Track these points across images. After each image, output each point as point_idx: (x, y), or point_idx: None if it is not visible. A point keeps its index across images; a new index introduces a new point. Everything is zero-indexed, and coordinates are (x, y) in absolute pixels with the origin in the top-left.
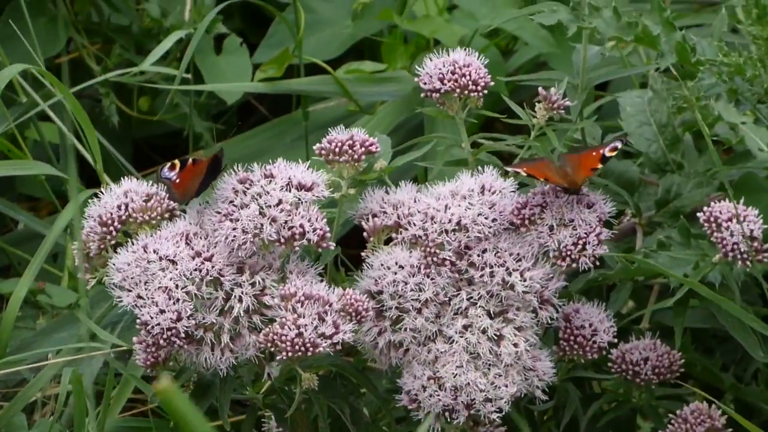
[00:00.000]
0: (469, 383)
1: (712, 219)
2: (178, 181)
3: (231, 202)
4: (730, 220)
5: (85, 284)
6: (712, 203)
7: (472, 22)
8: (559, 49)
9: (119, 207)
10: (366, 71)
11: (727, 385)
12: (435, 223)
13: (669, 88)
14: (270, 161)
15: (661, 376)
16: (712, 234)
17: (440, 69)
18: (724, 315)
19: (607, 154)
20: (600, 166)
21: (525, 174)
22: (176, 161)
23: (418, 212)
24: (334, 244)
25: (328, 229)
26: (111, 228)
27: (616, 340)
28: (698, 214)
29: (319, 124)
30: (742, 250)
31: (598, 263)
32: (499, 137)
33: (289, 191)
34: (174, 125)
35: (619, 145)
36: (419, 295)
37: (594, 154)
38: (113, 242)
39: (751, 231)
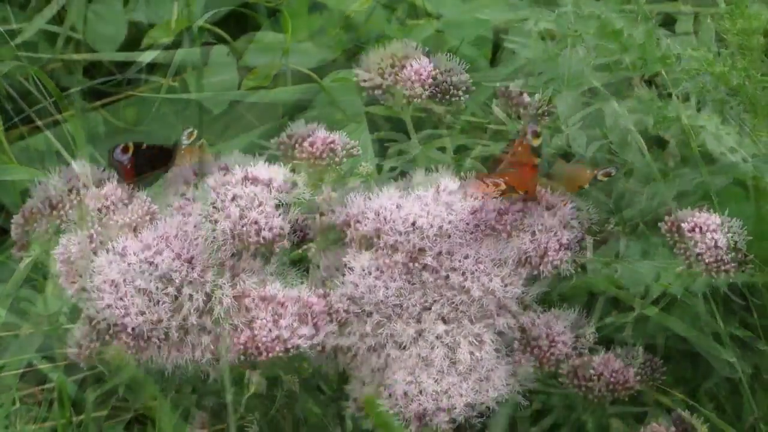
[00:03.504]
0: (421, 391)
1: (674, 229)
2: (129, 166)
3: (183, 195)
4: (692, 230)
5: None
6: (673, 213)
7: (461, 31)
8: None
9: (69, 191)
10: (353, 80)
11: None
12: (387, 223)
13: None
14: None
15: (615, 393)
16: (675, 244)
17: (378, 63)
18: (688, 330)
19: (534, 143)
20: (538, 159)
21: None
22: (130, 143)
23: (369, 211)
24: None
25: (283, 225)
26: (61, 212)
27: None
28: (659, 224)
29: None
30: (706, 260)
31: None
32: (481, 143)
33: (246, 186)
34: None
35: (536, 127)
36: (370, 298)
37: (520, 149)
38: (62, 227)
39: (715, 241)
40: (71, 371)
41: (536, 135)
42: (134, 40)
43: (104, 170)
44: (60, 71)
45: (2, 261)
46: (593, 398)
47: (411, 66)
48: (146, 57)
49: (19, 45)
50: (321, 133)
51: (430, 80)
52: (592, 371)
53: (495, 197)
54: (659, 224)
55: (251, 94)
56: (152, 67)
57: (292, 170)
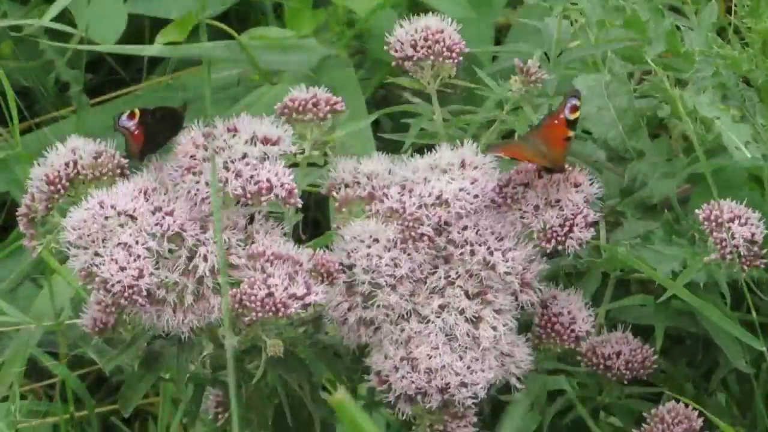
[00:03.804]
0: (444, 366)
1: (712, 217)
2: (137, 132)
3: (192, 156)
4: (731, 220)
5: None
6: (712, 201)
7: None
8: (476, 13)
9: (66, 165)
10: (272, 38)
11: (689, 395)
12: (413, 196)
13: (629, 72)
14: None
15: (633, 371)
16: (712, 233)
17: (412, 35)
18: (708, 319)
19: (571, 117)
20: (571, 133)
21: (507, 158)
22: (136, 109)
23: (395, 184)
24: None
25: (295, 185)
26: (59, 186)
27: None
28: (696, 212)
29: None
30: (741, 253)
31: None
32: (471, 109)
33: (255, 145)
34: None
35: (576, 102)
36: (395, 271)
37: (556, 122)
38: (60, 201)
39: (753, 234)
40: (73, 366)
41: (575, 109)
42: (134, 34)
43: (100, 142)
44: (61, 67)
45: (6, 255)
46: (612, 376)
47: (444, 41)
48: (151, 51)
49: (18, 40)
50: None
51: (460, 58)
52: (611, 349)
53: (523, 169)
54: (696, 211)
55: (167, 49)
56: (154, 65)
57: (300, 137)
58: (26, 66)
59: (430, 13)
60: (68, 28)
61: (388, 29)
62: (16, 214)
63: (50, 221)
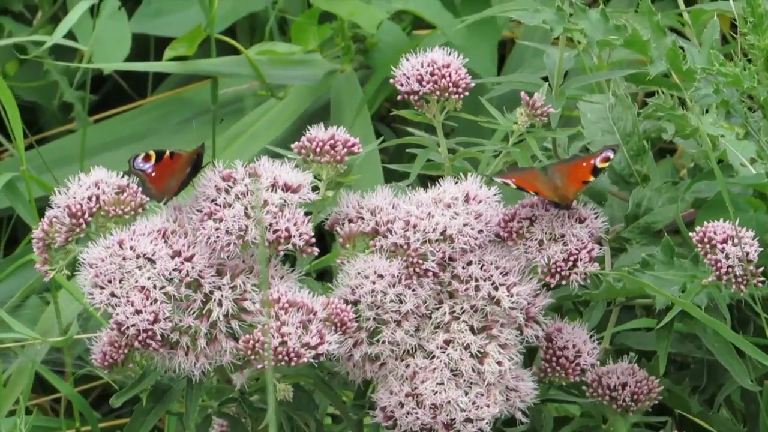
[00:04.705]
0: (449, 401)
1: (705, 239)
2: (154, 174)
3: (213, 200)
4: (725, 241)
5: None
6: (706, 223)
7: (469, 42)
8: (479, 36)
9: (89, 198)
10: (279, 52)
11: (695, 412)
12: (417, 231)
13: (633, 93)
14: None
15: (639, 403)
16: (706, 255)
17: (418, 69)
18: (711, 340)
19: (600, 165)
20: (592, 178)
21: (514, 186)
22: (151, 152)
23: (399, 219)
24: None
25: (313, 233)
26: (81, 220)
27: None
28: (690, 234)
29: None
30: (737, 273)
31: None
32: (477, 141)
33: (275, 192)
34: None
35: (611, 154)
36: (399, 307)
37: (584, 165)
38: (82, 235)
39: (747, 254)
40: (79, 381)
41: (606, 160)
42: (139, 50)
43: (123, 176)
44: (65, 89)
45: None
46: (617, 407)
47: (450, 76)
48: (160, 67)
49: (22, 60)
50: (341, 136)
51: (466, 93)
52: (617, 380)
53: (528, 203)
54: (690, 234)
55: (175, 65)
56: (159, 80)
57: (316, 176)
58: (31, 86)
59: (433, 36)
60: (76, 44)
61: (393, 44)
62: (32, 237)
63: (65, 248)
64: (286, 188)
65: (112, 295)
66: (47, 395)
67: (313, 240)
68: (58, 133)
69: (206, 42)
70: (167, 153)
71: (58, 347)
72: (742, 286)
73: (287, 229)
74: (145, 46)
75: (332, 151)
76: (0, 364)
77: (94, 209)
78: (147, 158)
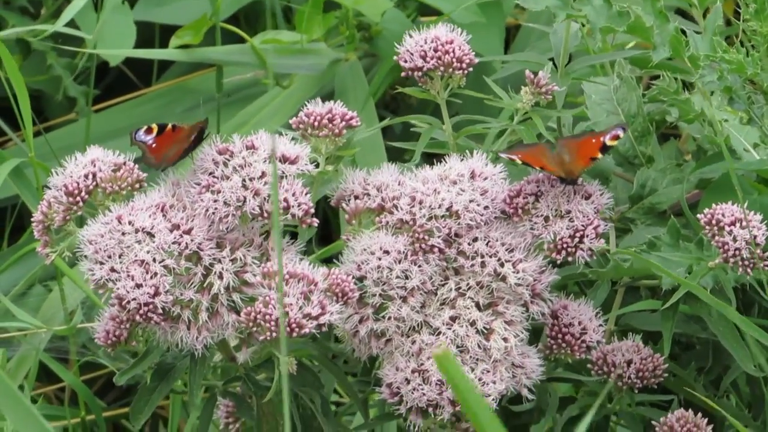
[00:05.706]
0: None
1: (713, 222)
2: (154, 145)
3: (211, 173)
4: (733, 224)
5: (46, 264)
6: (714, 205)
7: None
8: (486, 18)
9: (86, 176)
10: (284, 41)
11: (702, 395)
12: (423, 207)
13: (637, 76)
14: None
15: (644, 380)
16: (713, 237)
17: (422, 46)
18: (716, 323)
19: (608, 143)
20: (600, 156)
21: (520, 161)
22: (153, 125)
23: (405, 195)
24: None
25: (312, 204)
26: (78, 198)
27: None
28: (698, 216)
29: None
30: (744, 256)
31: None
32: (481, 119)
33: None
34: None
35: (621, 133)
36: (405, 283)
37: (593, 141)
38: (79, 213)
39: (755, 237)
40: (83, 369)
41: (615, 138)
42: (144, 38)
43: (119, 155)
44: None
45: (16, 259)
46: (622, 385)
47: (453, 52)
48: (166, 55)
49: (27, 52)
50: (338, 110)
51: (470, 68)
52: (622, 358)
53: (534, 179)
54: (697, 216)
55: (181, 53)
56: (164, 68)
57: (315, 151)
58: (35, 79)
59: (440, 21)
60: (81, 33)
61: (398, 32)
62: (32, 220)
63: (65, 229)
64: (284, 159)
65: (112, 270)
66: (52, 384)
67: (312, 210)
68: (63, 121)
69: (210, 30)
70: (169, 126)
71: (62, 335)
72: (749, 269)
73: (285, 200)
74: (150, 35)
75: (330, 125)
76: (4, 352)
77: (91, 187)
78: (149, 131)
